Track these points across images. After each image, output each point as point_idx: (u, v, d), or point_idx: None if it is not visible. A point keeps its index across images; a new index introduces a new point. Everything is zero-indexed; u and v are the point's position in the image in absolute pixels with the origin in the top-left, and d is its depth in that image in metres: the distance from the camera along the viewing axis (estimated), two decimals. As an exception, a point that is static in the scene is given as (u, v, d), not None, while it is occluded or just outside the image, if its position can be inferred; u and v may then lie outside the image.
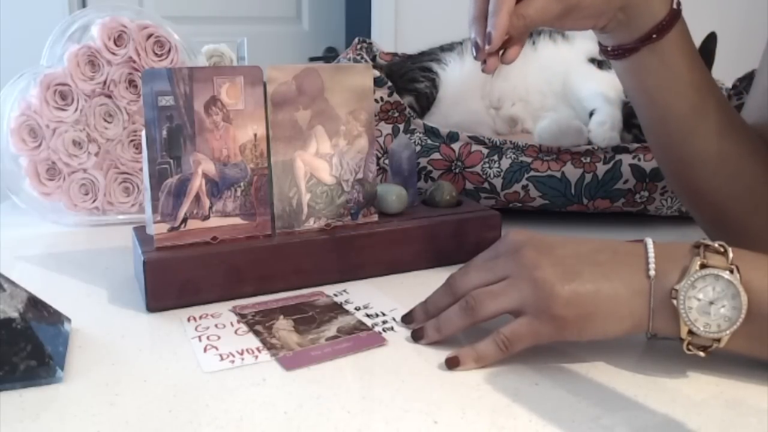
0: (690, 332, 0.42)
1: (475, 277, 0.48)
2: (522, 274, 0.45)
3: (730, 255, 0.42)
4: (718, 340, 0.42)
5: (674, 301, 0.42)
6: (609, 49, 0.59)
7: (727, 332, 0.42)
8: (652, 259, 0.44)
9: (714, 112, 0.58)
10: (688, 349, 0.43)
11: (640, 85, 0.59)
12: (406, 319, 0.52)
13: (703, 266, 0.42)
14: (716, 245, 0.43)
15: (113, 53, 0.78)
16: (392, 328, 0.52)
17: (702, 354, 0.43)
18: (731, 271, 0.42)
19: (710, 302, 0.42)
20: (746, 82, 0.79)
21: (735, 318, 0.41)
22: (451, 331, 0.48)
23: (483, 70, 0.56)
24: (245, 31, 1.43)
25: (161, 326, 0.52)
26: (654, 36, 0.55)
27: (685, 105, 0.57)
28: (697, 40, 0.59)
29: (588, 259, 0.45)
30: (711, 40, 0.79)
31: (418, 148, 0.78)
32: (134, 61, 0.79)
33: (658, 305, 0.43)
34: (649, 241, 0.45)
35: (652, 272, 0.43)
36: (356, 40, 0.98)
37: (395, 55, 1.03)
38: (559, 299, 0.43)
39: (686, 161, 0.59)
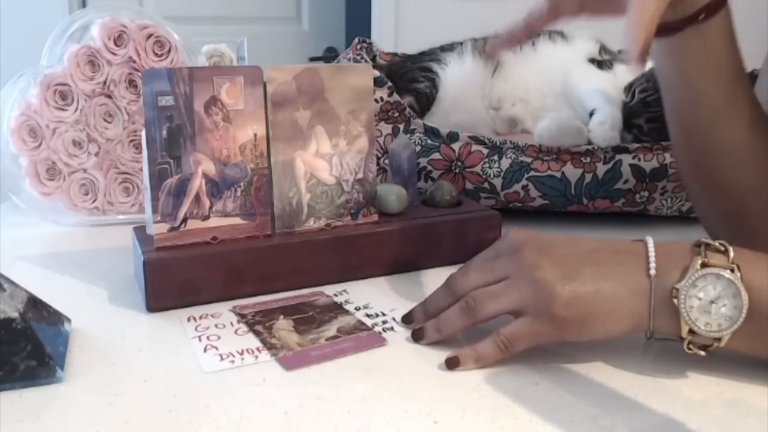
0: (691, 331, 0.42)
1: (475, 278, 0.48)
2: (522, 275, 0.45)
3: (731, 254, 0.42)
4: (719, 339, 0.42)
5: (675, 300, 0.42)
6: None
7: (728, 331, 0.42)
8: (652, 258, 0.44)
9: (745, 102, 0.57)
10: (689, 348, 0.43)
11: (678, 66, 0.57)
12: (406, 319, 0.52)
13: (704, 265, 0.42)
14: (717, 244, 0.43)
15: (113, 53, 0.78)
16: (392, 328, 0.52)
17: (702, 353, 0.43)
18: (732, 270, 0.42)
19: (711, 301, 0.42)
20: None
21: (736, 317, 0.41)
22: (451, 332, 0.48)
23: None
24: (245, 31, 1.43)
25: (161, 326, 0.52)
26: (701, 17, 0.54)
27: (719, 92, 0.56)
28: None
29: (588, 258, 0.45)
30: None
31: (418, 148, 0.78)
32: (134, 61, 0.79)
33: (659, 304, 0.43)
34: (650, 240, 0.45)
35: (652, 271, 0.43)
36: (356, 40, 0.98)
37: (395, 55, 1.03)
38: (560, 300, 0.43)
39: (713, 150, 0.58)
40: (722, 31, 0.55)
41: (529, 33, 0.60)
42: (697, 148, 0.60)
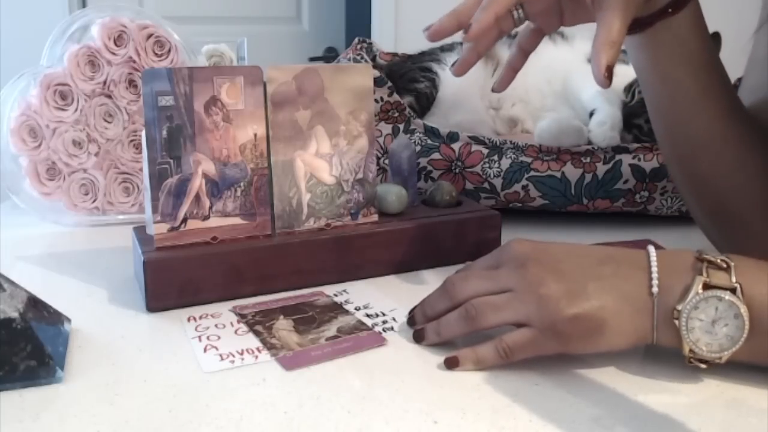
0: (692, 350, 0.43)
1: (475, 284, 0.48)
2: (526, 290, 0.45)
3: (733, 273, 0.42)
4: (720, 357, 0.42)
5: (676, 322, 0.42)
6: None
7: (729, 351, 0.42)
8: (655, 274, 0.43)
9: (721, 93, 0.58)
10: (690, 362, 0.43)
11: (652, 61, 0.58)
12: (411, 321, 0.52)
13: (705, 286, 0.42)
14: (719, 261, 0.43)
15: (113, 53, 0.78)
16: (392, 328, 0.52)
17: (703, 366, 0.43)
18: (734, 291, 0.42)
19: (713, 322, 0.42)
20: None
21: (738, 337, 0.41)
22: (450, 336, 0.48)
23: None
24: (245, 31, 1.43)
25: (161, 326, 0.52)
26: (669, 10, 0.54)
27: (695, 83, 0.57)
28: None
29: (592, 273, 0.45)
30: (714, 39, 0.79)
31: (418, 148, 0.78)
32: (134, 61, 0.79)
33: (661, 322, 0.43)
34: (652, 251, 0.45)
35: (655, 289, 0.43)
36: (356, 40, 0.98)
37: (395, 55, 1.03)
38: (565, 317, 0.43)
39: (692, 143, 0.59)
40: (691, 22, 0.55)
41: (525, 57, 0.63)
42: (679, 142, 0.60)
